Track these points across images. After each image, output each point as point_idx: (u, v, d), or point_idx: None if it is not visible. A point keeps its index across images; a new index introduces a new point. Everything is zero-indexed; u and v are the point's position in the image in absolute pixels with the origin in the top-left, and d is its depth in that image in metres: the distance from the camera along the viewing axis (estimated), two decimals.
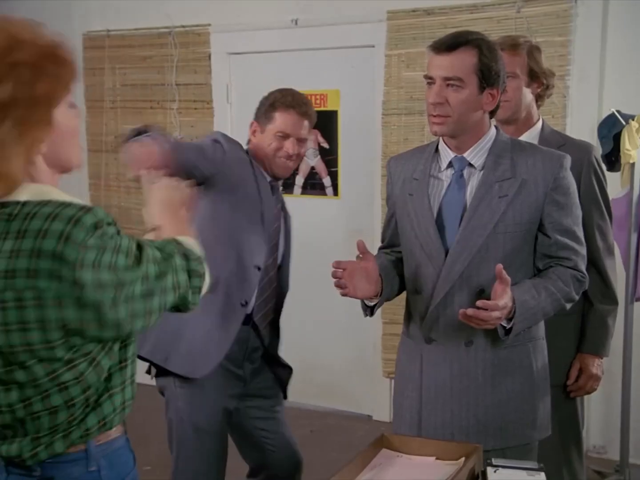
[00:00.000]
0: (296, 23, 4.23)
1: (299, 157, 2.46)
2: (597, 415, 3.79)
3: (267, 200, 2.40)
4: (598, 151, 2.48)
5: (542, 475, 1.69)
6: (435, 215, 2.00)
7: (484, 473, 1.72)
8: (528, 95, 2.41)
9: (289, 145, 2.40)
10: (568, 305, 2.01)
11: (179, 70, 4.64)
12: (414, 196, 2.04)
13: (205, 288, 1.45)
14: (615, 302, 2.50)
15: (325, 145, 4.33)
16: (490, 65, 1.92)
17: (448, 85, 1.91)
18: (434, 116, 1.94)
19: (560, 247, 1.98)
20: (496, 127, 2.06)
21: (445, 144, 2.03)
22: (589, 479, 3.38)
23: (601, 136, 3.41)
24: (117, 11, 4.75)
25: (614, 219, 2.83)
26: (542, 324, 2.08)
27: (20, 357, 1.25)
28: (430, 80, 1.94)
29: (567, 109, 3.67)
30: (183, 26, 4.57)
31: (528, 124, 2.44)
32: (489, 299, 1.84)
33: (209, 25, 4.52)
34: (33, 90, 1.22)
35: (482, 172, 1.97)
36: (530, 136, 2.42)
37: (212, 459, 2.44)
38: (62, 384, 1.28)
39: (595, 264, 2.40)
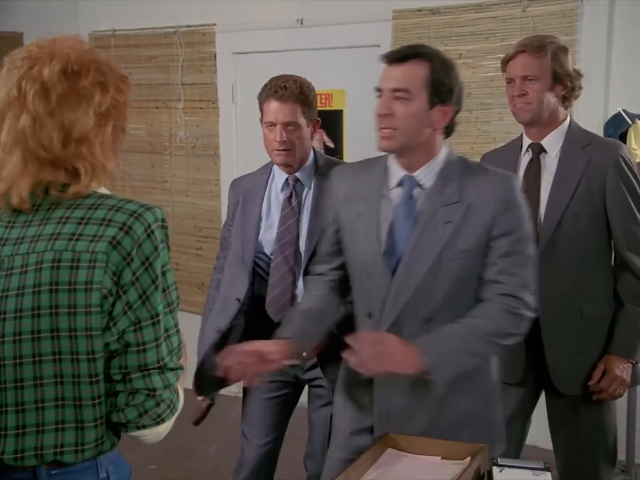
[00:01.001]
0: (301, 23, 4.23)
1: (292, 143, 2.39)
2: None
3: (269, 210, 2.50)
4: (628, 150, 2.40)
5: (548, 475, 1.69)
6: (384, 240, 1.90)
7: (490, 473, 1.72)
8: (551, 98, 2.36)
9: (276, 133, 2.38)
10: (509, 340, 1.87)
11: (184, 70, 4.65)
12: (362, 217, 1.93)
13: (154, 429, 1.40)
14: None
15: (331, 144, 4.32)
16: (443, 81, 1.84)
17: (395, 98, 1.83)
18: (381, 129, 1.85)
19: (496, 270, 1.86)
20: (449, 148, 1.97)
21: (395, 161, 1.93)
22: None
23: (607, 135, 3.41)
24: (122, 11, 4.76)
25: None
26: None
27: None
28: (379, 92, 1.87)
29: (573, 108, 3.65)
30: (188, 26, 4.58)
31: (553, 124, 2.40)
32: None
33: (215, 25, 4.53)
34: (123, 98, 1.39)
35: (429, 195, 1.88)
36: (556, 136, 2.39)
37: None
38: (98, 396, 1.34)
39: (625, 265, 2.36)
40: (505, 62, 2.41)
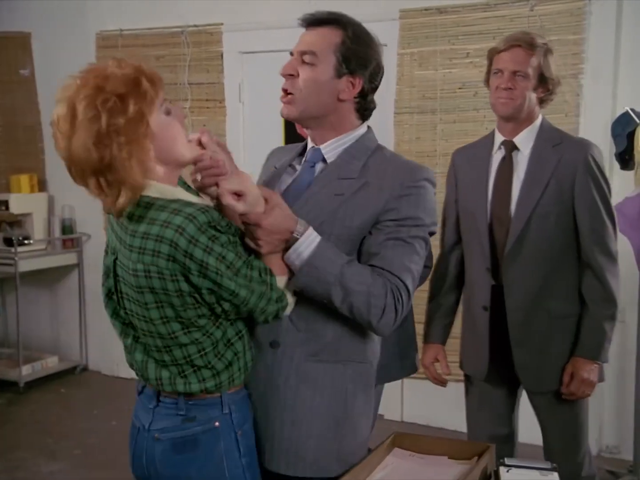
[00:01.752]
0: None
1: None
2: (611, 416, 3.77)
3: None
4: (598, 150, 2.39)
5: (555, 475, 1.69)
6: None
7: (497, 472, 1.72)
8: (533, 97, 2.37)
9: None
10: (373, 312, 1.61)
11: (191, 70, 4.66)
12: (266, 184, 1.82)
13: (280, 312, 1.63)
14: (613, 304, 2.36)
15: None
16: (357, 51, 1.73)
17: (303, 62, 1.74)
18: (283, 91, 1.74)
19: (375, 256, 1.66)
20: (369, 127, 1.83)
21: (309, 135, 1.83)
22: (602, 479, 3.37)
23: (615, 134, 3.40)
24: (130, 11, 4.78)
25: (628, 218, 2.80)
26: (372, 346, 1.78)
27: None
28: (291, 56, 1.79)
29: (581, 107, 3.66)
30: (196, 25, 4.59)
31: (528, 122, 2.41)
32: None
33: (222, 24, 4.54)
34: (126, 114, 1.46)
35: (328, 167, 1.76)
36: (528, 134, 2.40)
37: None
38: (202, 350, 1.58)
39: (590, 266, 2.35)
40: (496, 52, 2.40)
